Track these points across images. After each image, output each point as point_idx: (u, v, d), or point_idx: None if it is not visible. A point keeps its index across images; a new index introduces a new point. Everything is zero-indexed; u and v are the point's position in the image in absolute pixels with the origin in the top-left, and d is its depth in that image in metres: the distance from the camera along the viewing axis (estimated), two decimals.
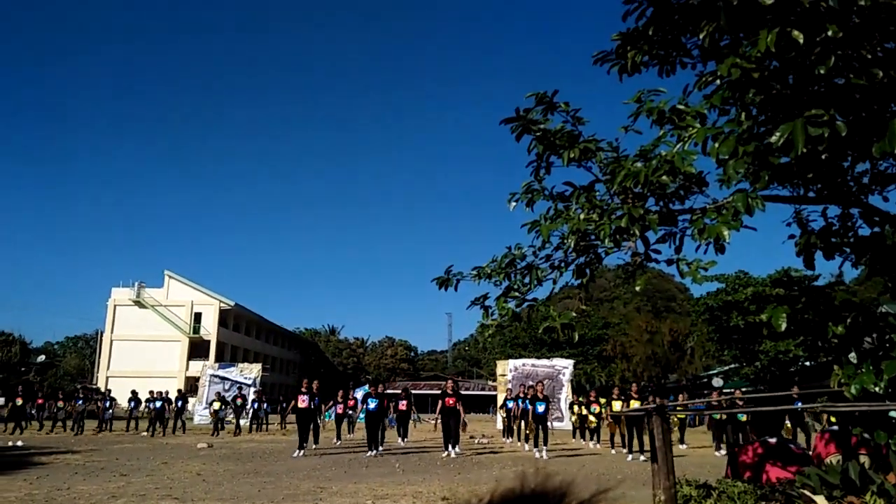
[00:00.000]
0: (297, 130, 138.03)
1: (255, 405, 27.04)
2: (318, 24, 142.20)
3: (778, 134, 3.26)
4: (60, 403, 25.93)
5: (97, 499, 8.46)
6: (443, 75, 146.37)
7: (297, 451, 15.38)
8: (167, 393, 25.11)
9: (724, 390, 39.96)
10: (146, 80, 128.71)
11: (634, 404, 16.75)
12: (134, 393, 26.66)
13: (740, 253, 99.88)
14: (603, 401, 22.99)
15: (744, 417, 16.05)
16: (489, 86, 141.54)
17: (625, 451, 16.19)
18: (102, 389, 39.62)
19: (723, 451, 15.87)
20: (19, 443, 17.60)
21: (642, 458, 14.55)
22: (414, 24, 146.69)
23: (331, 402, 20.78)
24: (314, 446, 16.64)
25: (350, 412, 22.11)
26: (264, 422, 27.14)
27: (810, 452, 7.51)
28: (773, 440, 7.68)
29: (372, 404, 16.05)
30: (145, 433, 22.93)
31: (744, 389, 29.32)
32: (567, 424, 24.18)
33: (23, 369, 65.80)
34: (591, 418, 19.58)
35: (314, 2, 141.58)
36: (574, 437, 21.32)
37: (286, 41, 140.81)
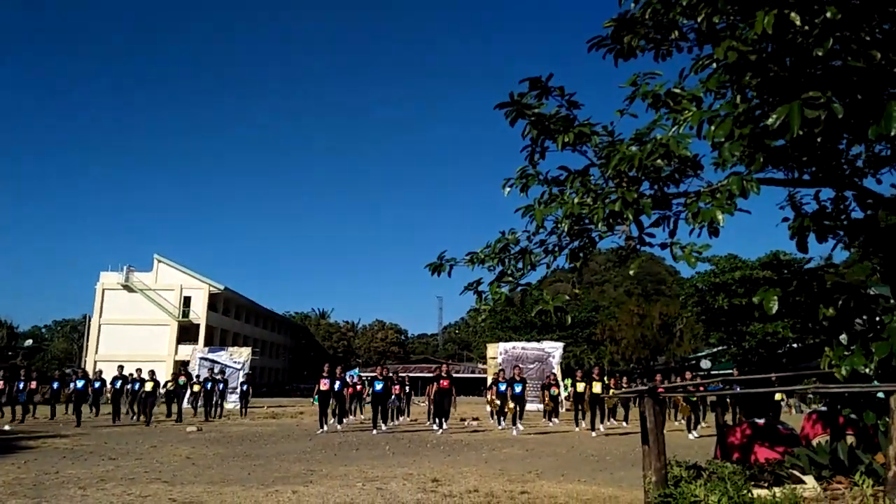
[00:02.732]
0: (288, 118, 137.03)
1: (209, 385, 22.65)
2: (315, 11, 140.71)
3: (774, 116, 3.22)
4: None
5: (86, 482, 8.43)
6: (435, 62, 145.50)
7: (321, 429, 16.79)
8: (100, 373, 21.22)
9: (712, 372, 40.49)
10: (134, 65, 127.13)
11: (597, 386, 17.75)
12: (62, 373, 23.52)
13: (731, 235, 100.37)
14: (567, 382, 24.14)
15: (694, 398, 17.10)
16: (482, 72, 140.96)
17: (584, 427, 17.95)
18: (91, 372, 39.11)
19: (694, 434, 16.56)
20: (6, 427, 17.50)
21: (595, 434, 16.61)
22: (408, 14, 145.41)
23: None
24: (338, 426, 17.69)
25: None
26: (218, 405, 23.39)
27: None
28: (760, 421, 7.73)
29: (378, 386, 17.37)
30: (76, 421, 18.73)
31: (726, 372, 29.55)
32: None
33: (10, 353, 65.47)
34: (547, 400, 20.52)
35: None
36: (544, 416, 21.69)
37: (283, 27, 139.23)
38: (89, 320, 58.33)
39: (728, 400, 17.35)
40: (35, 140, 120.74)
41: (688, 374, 20.57)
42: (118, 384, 20.60)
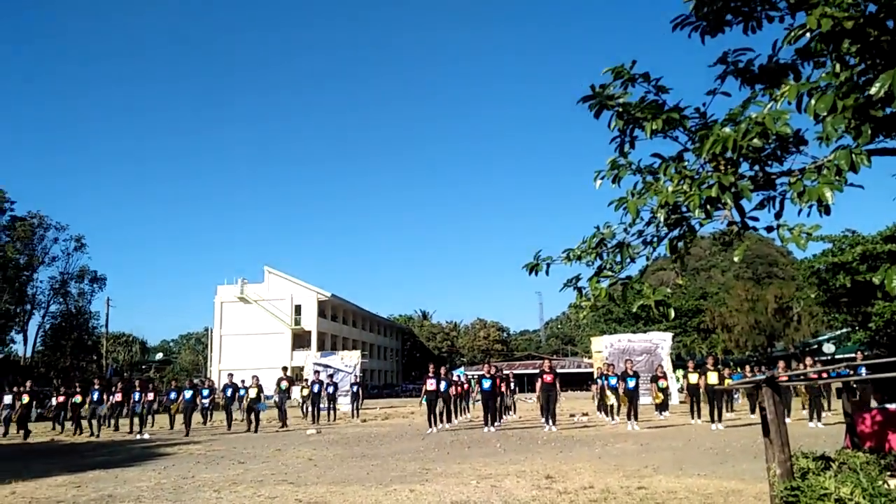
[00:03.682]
0: (381, 124, 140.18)
1: (318, 388, 23.28)
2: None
3: (878, 85, 3.05)
4: (25, 398, 20.61)
5: (219, 485, 9.02)
6: (521, 58, 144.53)
7: (430, 428, 17.19)
8: (204, 382, 21.09)
9: (836, 356, 38.00)
10: (237, 80, 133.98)
11: (712, 376, 16.98)
12: (178, 384, 22.11)
13: (847, 210, 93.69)
14: (679, 373, 23.21)
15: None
16: (573, 67, 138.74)
17: (697, 420, 17.49)
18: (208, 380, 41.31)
19: (819, 423, 15.75)
20: (146, 436, 18.88)
21: (721, 427, 15.84)
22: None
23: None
24: (447, 425, 18.14)
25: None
26: (330, 408, 24.17)
27: None
28: (892, 407, 7.25)
29: (486, 384, 17.49)
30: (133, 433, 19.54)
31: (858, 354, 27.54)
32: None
33: (143, 367, 70.81)
34: (658, 393, 19.83)
35: None
36: (656, 410, 21.11)
37: (379, 24, 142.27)
38: (211, 333, 62.07)
39: (855, 386, 16.30)
40: (157, 168, 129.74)
41: (808, 360, 19.43)
42: (229, 391, 21.09)
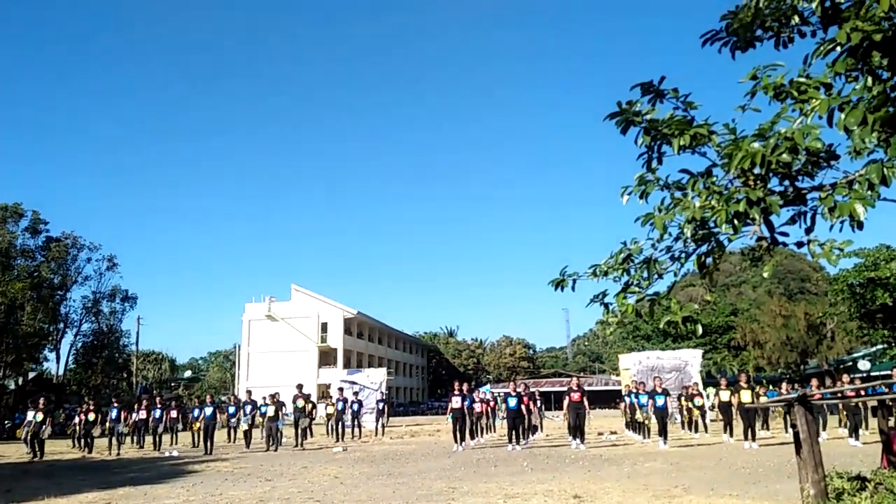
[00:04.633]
0: (406, 138, 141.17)
1: (343, 406, 23.01)
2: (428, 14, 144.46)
3: None
4: (39, 416, 19.73)
5: (247, 503, 9.05)
6: (557, 71, 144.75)
7: (455, 446, 17.03)
8: (220, 400, 20.65)
9: (872, 373, 37.09)
10: (266, 102, 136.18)
11: (745, 394, 16.70)
12: (202, 401, 21.24)
13: (881, 224, 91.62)
14: (709, 391, 23.02)
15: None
16: (603, 84, 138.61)
17: (729, 439, 17.07)
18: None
19: (857, 441, 15.44)
20: (175, 452, 19.04)
21: (756, 445, 15.39)
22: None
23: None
24: (472, 443, 18.16)
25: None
26: (354, 425, 24.00)
27: None
28: None
29: (512, 402, 17.30)
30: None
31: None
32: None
33: (172, 385, 71.65)
34: (695, 411, 19.50)
35: None
36: (682, 428, 20.69)
37: (416, 26, 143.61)
38: (239, 350, 62.59)
39: (889, 403, 15.87)
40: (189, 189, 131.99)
41: (845, 378, 18.99)
42: (248, 408, 20.94)
